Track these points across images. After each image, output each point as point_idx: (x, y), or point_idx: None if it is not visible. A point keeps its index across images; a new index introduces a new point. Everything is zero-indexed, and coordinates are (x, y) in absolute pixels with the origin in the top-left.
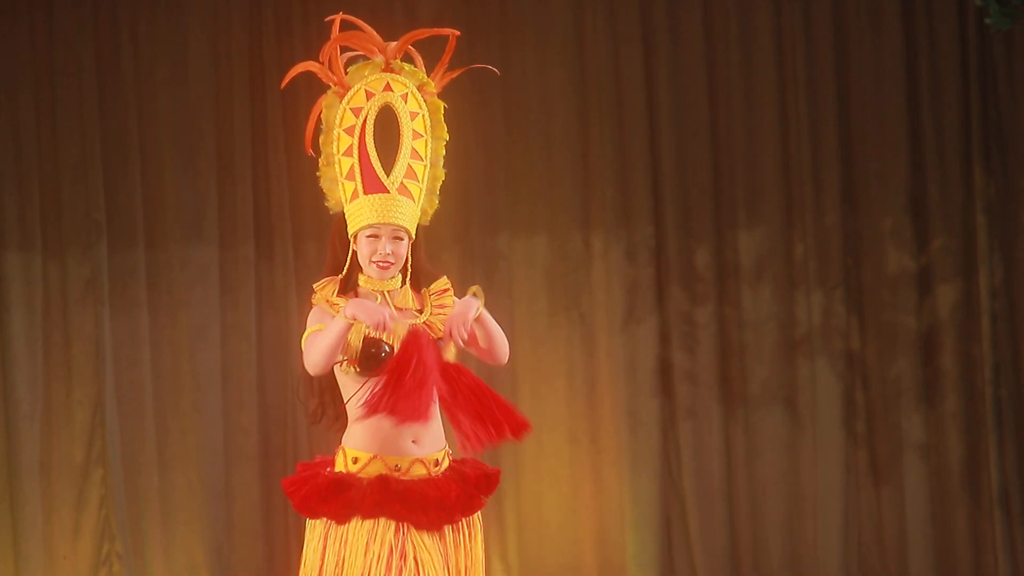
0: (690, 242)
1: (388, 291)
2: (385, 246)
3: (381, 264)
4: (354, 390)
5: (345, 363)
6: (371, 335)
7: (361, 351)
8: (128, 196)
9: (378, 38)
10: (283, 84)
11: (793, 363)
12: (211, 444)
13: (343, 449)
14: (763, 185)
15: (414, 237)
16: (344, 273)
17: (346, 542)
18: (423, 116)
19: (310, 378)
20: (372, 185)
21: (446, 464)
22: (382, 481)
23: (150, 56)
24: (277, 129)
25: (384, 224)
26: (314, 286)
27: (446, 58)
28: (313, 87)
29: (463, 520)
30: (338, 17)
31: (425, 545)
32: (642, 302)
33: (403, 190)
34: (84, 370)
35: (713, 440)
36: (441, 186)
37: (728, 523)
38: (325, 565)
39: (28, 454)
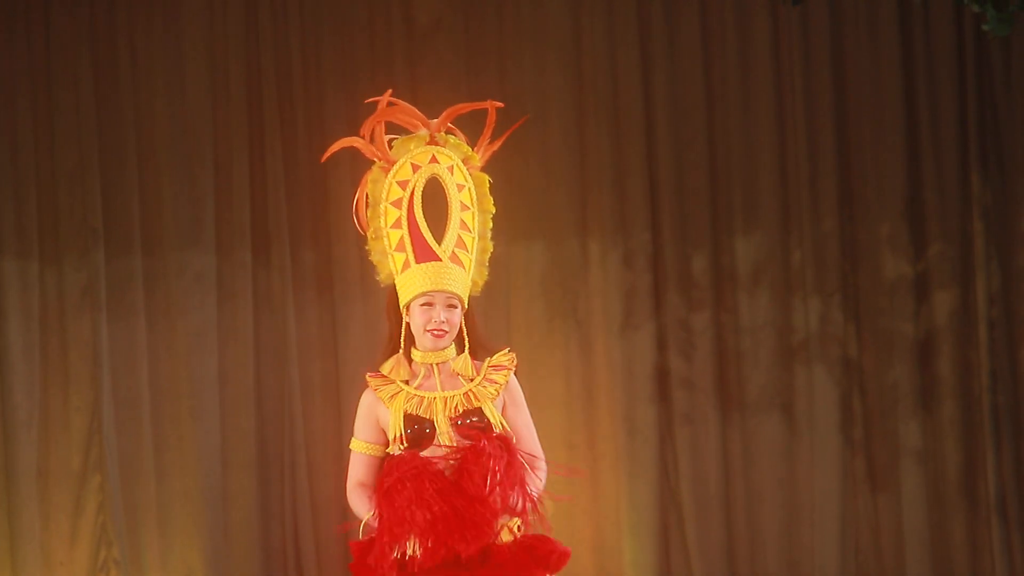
0: (687, 248)
1: (439, 363)
2: (439, 313)
3: (436, 332)
4: None
5: (393, 443)
6: (410, 412)
7: (404, 428)
8: (125, 202)
9: (420, 113)
10: (323, 158)
11: (790, 369)
12: (208, 450)
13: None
14: (760, 191)
15: (467, 306)
16: (403, 349)
17: None
18: (469, 189)
19: None
20: (424, 254)
21: (506, 540)
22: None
23: (147, 63)
24: (274, 135)
25: (438, 291)
26: (382, 368)
27: (488, 131)
28: (311, 93)
29: None
30: (384, 98)
31: None
32: (639, 308)
33: (455, 259)
34: (81, 377)
35: (710, 446)
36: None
37: (725, 529)
38: None
39: (25, 460)
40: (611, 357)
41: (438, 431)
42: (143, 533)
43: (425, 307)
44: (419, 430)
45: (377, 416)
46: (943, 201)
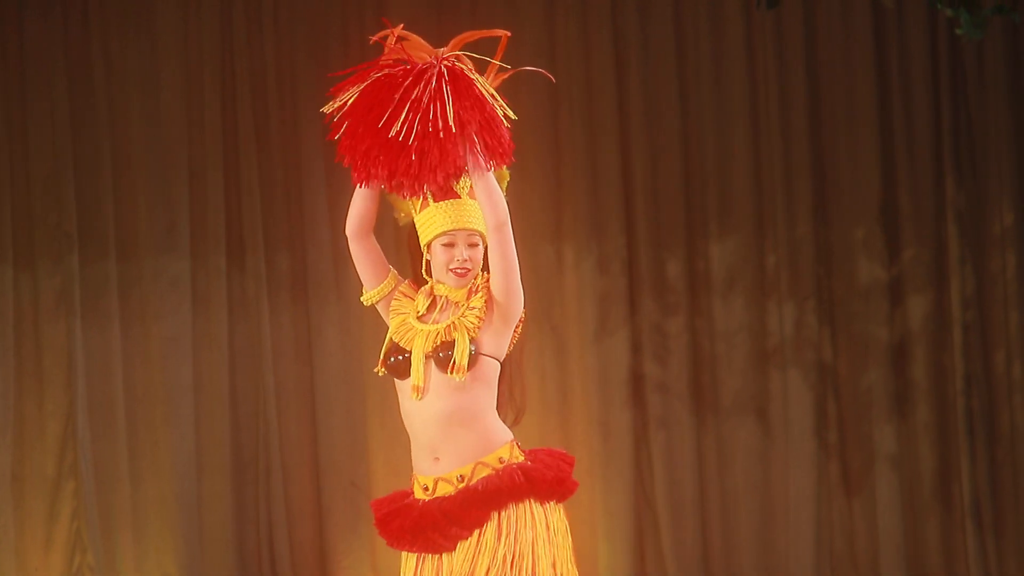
0: (662, 253)
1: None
2: (462, 252)
3: (458, 271)
4: (399, 394)
5: (380, 365)
6: (393, 341)
7: (384, 354)
8: (100, 207)
9: (428, 45)
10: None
11: (765, 374)
12: (183, 455)
13: None
14: (734, 196)
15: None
16: (431, 282)
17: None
18: None
19: None
20: (442, 191)
21: (479, 477)
22: (398, 512)
23: (121, 69)
24: (249, 140)
25: (459, 230)
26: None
27: (498, 57)
28: (283, 94)
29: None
30: (387, 32)
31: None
32: (614, 313)
33: (473, 194)
34: (56, 382)
35: (685, 451)
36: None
37: (700, 533)
38: None
39: None
40: (586, 362)
41: (412, 364)
42: (118, 538)
43: (447, 247)
44: (396, 363)
45: (387, 307)
46: (917, 205)
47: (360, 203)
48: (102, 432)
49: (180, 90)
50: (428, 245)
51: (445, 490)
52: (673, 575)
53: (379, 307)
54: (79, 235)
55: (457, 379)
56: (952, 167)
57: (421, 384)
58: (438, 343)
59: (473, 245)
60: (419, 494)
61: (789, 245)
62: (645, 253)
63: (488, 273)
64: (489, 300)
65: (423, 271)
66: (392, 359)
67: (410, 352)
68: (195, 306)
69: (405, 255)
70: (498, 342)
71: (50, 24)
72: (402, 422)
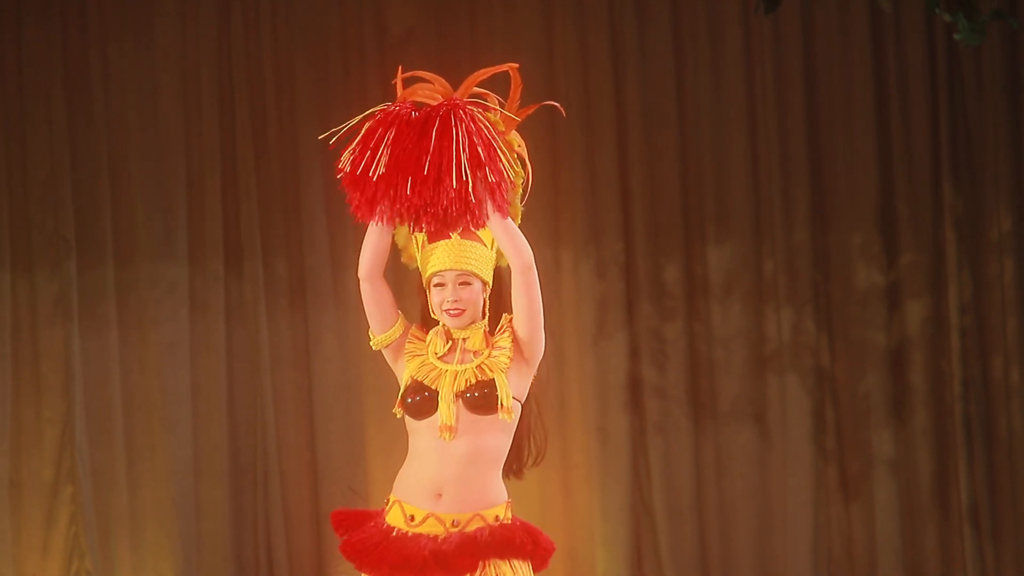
0: (659, 258)
1: (463, 339)
2: (451, 293)
3: (451, 312)
4: (412, 432)
5: (396, 406)
6: (416, 380)
7: (403, 394)
8: (97, 214)
9: (446, 85)
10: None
11: (763, 379)
12: (181, 461)
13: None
14: (732, 201)
15: (490, 281)
16: (442, 324)
17: None
18: None
19: None
20: (435, 232)
21: (474, 527)
22: (379, 544)
23: (119, 74)
24: (247, 146)
25: (447, 270)
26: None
27: (515, 95)
28: (283, 104)
29: None
30: (400, 76)
31: None
32: (612, 318)
33: (470, 235)
34: (53, 388)
35: (683, 456)
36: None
37: (698, 539)
38: None
39: None
40: (584, 367)
41: (439, 403)
42: (115, 544)
43: (438, 287)
44: (421, 400)
45: (396, 353)
46: (915, 211)
47: (374, 241)
48: (100, 438)
49: (178, 96)
50: (428, 286)
51: (433, 528)
52: None
53: (386, 352)
54: (77, 241)
55: (508, 420)
56: (950, 172)
57: (453, 423)
58: (471, 383)
59: (464, 284)
60: (398, 522)
61: (787, 250)
62: (643, 258)
63: (511, 314)
64: (515, 340)
65: (430, 311)
66: (411, 399)
67: (434, 391)
68: (193, 312)
69: (412, 296)
70: (521, 383)
71: (48, 30)
72: (404, 438)
